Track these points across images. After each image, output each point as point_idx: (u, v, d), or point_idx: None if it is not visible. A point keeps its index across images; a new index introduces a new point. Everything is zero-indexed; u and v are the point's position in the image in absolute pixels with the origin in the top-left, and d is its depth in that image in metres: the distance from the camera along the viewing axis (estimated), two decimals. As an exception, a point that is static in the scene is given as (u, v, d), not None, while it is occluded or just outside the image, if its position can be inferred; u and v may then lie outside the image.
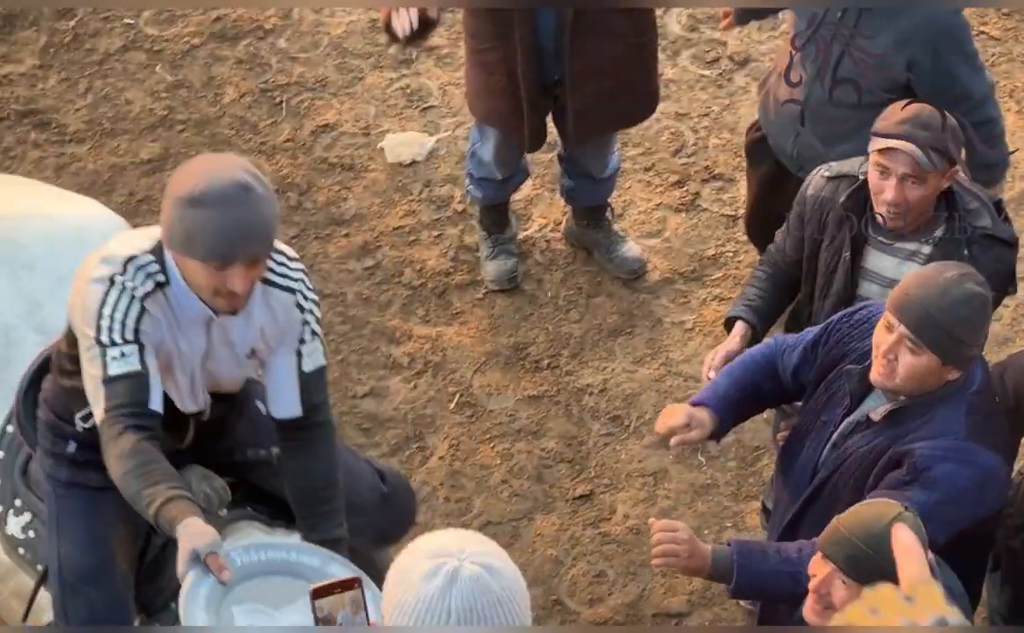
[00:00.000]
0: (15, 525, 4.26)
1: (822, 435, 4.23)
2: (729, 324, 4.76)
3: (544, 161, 6.31)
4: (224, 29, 6.85)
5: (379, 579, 4.22)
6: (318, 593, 3.18)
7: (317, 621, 3.18)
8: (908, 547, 2.74)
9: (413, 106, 6.63)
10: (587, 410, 5.77)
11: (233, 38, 6.84)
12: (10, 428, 4.28)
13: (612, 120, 5.78)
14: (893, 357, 4.03)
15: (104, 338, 3.79)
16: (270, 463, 4.22)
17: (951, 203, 4.54)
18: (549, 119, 5.72)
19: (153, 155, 6.45)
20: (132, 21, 6.86)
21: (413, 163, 6.45)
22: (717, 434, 4.37)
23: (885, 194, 4.45)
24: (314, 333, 4.03)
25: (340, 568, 3.84)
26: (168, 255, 3.86)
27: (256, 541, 3.94)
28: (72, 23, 6.83)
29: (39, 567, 4.22)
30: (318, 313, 4.05)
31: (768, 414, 5.31)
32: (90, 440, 3.97)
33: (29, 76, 6.68)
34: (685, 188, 6.36)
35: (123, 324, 3.80)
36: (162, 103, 6.62)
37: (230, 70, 6.75)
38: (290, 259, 4.02)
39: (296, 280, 3.99)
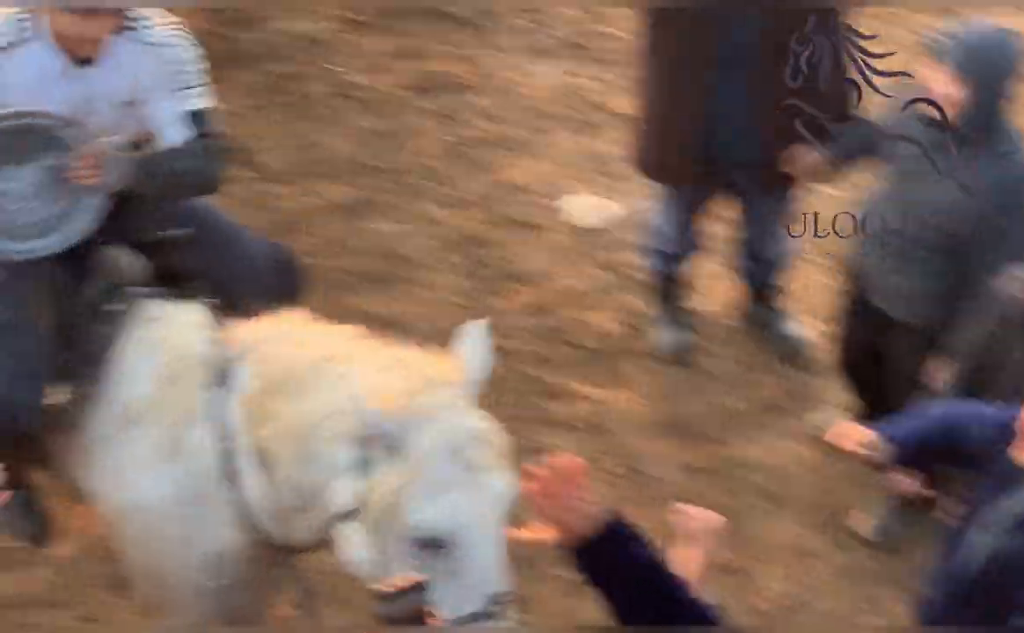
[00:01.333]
0: None
1: (984, 519, 4.28)
2: None
3: (719, 236, 6.46)
4: (425, 82, 7.11)
5: None
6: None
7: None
8: None
9: (598, 171, 6.83)
10: (743, 484, 5.89)
11: (433, 91, 7.10)
12: None
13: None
14: None
15: None
16: (178, 242, 4.74)
17: None
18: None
19: (347, 200, 6.72)
20: (340, 69, 7.16)
21: (594, 227, 6.65)
22: (889, 467, 4.50)
23: None
24: (194, 83, 4.59)
25: (74, 133, 4.45)
26: (39, 16, 4.46)
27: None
28: (284, 67, 7.14)
29: None
30: (198, 66, 4.60)
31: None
32: None
33: (240, 115, 7.00)
34: (858, 274, 6.45)
35: None
36: (361, 150, 6.90)
37: (428, 122, 7.00)
38: (163, 22, 4.57)
39: (167, 36, 4.57)
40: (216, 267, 4.71)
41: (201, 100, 4.63)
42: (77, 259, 4.73)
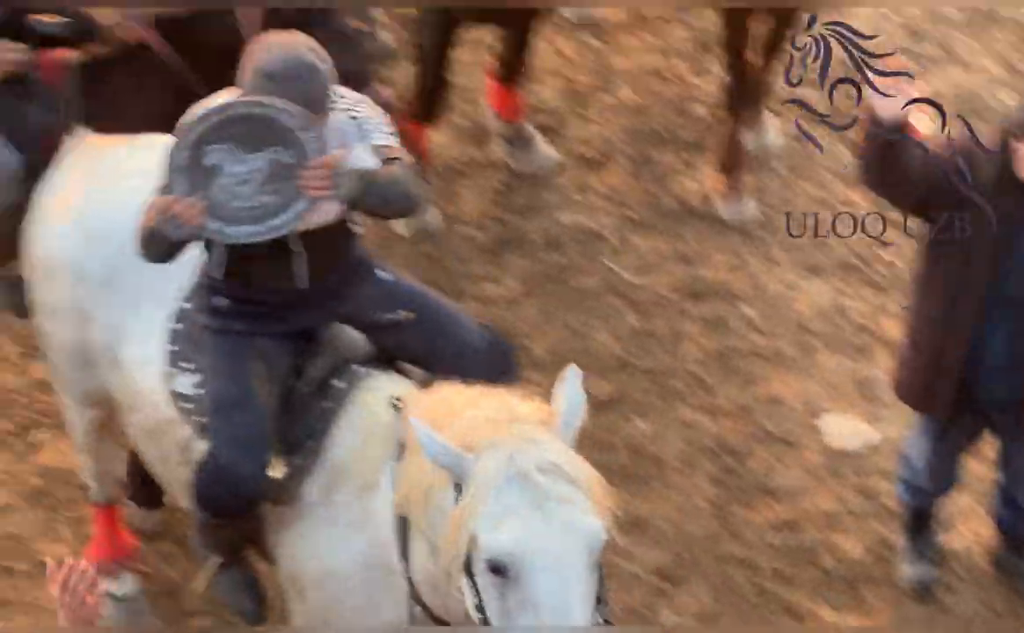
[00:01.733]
0: (185, 383, 5.01)
1: None
2: None
3: (978, 473, 6.36)
4: (697, 287, 7.18)
5: None
6: None
7: None
8: None
9: (860, 394, 6.80)
10: (978, 732, 5.77)
11: (702, 296, 7.16)
12: (186, 305, 5.07)
13: None
14: None
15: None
16: (400, 324, 4.92)
17: None
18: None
19: (606, 395, 6.79)
20: (614, 266, 7.28)
21: (851, 450, 6.61)
22: None
23: None
24: (382, 126, 4.85)
25: (313, 139, 4.66)
26: None
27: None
28: (560, 258, 7.28)
29: (203, 419, 4.92)
30: (380, 120, 4.86)
31: None
32: (233, 294, 4.88)
33: (512, 300, 7.15)
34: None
35: None
36: (625, 347, 6.99)
37: (694, 327, 7.06)
38: (343, 95, 4.85)
39: (350, 104, 4.85)
40: (435, 349, 4.92)
41: (390, 137, 4.87)
42: (302, 336, 4.95)
